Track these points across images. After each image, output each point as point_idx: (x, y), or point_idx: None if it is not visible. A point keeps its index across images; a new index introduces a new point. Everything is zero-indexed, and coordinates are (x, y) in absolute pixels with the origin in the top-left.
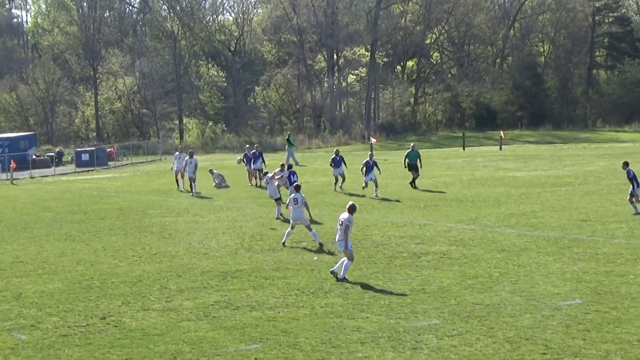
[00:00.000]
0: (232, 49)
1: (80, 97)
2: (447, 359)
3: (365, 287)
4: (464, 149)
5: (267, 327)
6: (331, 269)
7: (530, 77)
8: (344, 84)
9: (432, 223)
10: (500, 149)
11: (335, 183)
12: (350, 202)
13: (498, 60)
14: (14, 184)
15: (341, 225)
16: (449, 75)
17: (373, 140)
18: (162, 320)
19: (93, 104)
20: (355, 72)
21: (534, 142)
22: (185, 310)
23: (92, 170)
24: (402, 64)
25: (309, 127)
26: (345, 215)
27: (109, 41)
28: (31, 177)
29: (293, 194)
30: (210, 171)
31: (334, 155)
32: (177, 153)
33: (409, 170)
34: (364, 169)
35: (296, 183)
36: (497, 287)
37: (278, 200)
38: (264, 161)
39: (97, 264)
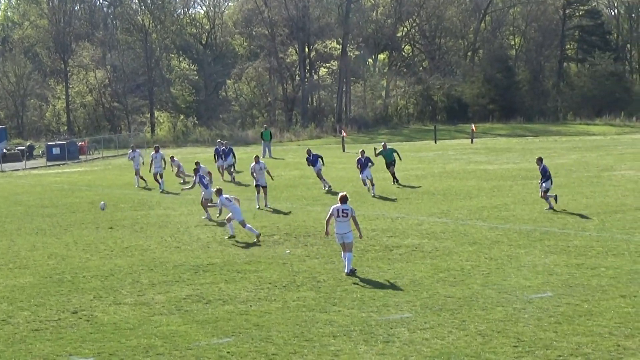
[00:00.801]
0: (204, 42)
1: (51, 91)
2: (419, 352)
3: (338, 280)
4: (435, 142)
5: (239, 321)
6: (346, 272)
7: (502, 70)
8: (315, 77)
9: (404, 216)
10: (472, 142)
11: (371, 186)
12: (343, 193)
13: (469, 54)
14: None
15: (345, 216)
16: (421, 68)
17: (344, 133)
18: (134, 314)
19: (64, 97)
20: (327, 65)
21: (506, 135)
22: (157, 304)
23: (63, 164)
24: (373, 57)
25: (281, 120)
26: (343, 206)
27: (80, 34)
28: (2, 171)
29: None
30: (172, 158)
31: (359, 157)
32: (154, 153)
33: (386, 167)
34: (359, 167)
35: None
36: (469, 280)
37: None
38: (234, 157)
39: (69, 257)
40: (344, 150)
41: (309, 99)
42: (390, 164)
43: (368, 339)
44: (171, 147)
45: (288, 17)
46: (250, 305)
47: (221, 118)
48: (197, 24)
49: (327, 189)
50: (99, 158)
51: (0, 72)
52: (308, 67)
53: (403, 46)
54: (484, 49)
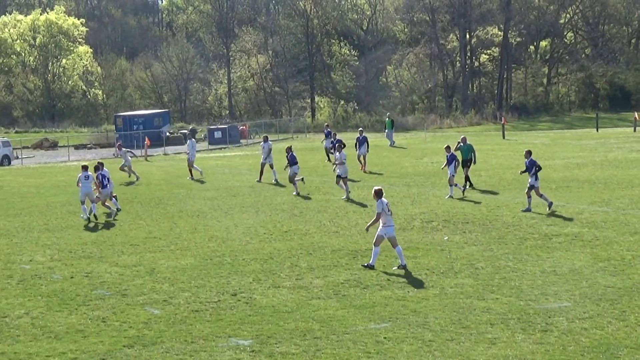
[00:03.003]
0: (364, 28)
1: (214, 75)
2: (578, 342)
3: (496, 268)
4: (597, 130)
5: (396, 307)
6: (402, 264)
7: None
8: (476, 63)
9: (564, 204)
10: (635, 130)
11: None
12: (379, 187)
13: (633, 41)
14: (148, 161)
15: (389, 210)
16: (583, 55)
17: (504, 120)
18: (292, 298)
19: (226, 81)
20: (488, 51)
21: None
22: (315, 288)
23: (224, 148)
24: (535, 43)
25: (441, 106)
26: (385, 200)
27: (242, 19)
28: (165, 154)
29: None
30: (119, 147)
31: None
32: (263, 143)
33: (461, 166)
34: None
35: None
36: (630, 270)
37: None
38: (368, 145)
39: (229, 240)
40: (504, 138)
41: (469, 86)
42: (466, 162)
43: (526, 327)
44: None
45: (449, 4)
46: (408, 291)
47: (381, 104)
48: (358, 10)
49: (345, 197)
50: (259, 142)
51: (164, 56)
52: (469, 54)
53: (565, 33)
54: None
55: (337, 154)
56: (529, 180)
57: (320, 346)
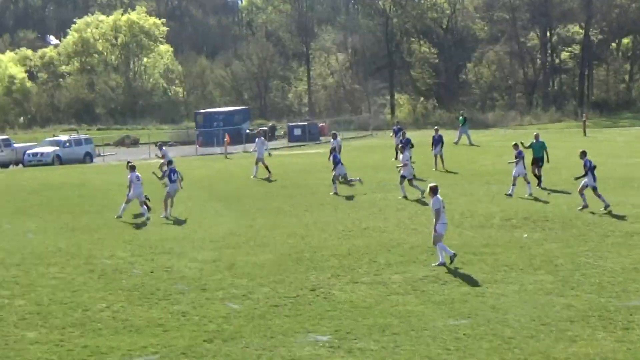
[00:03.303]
0: (444, 26)
1: (294, 73)
2: None
3: (576, 265)
4: None
5: (475, 303)
6: (452, 255)
7: None
8: (557, 60)
9: None
10: None
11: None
12: (434, 184)
13: None
14: (228, 158)
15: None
16: None
17: (585, 117)
18: (371, 293)
19: (306, 79)
20: (569, 49)
21: None
22: (393, 283)
23: (304, 145)
24: (617, 41)
25: (521, 103)
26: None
27: (322, 19)
28: (245, 152)
29: None
30: (160, 146)
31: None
32: (332, 140)
33: (531, 164)
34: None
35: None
36: None
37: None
38: (443, 144)
39: (308, 237)
40: (585, 135)
41: (550, 83)
42: (537, 160)
43: (607, 325)
44: (411, 129)
45: (529, 2)
46: (487, 288)
47: (461, 101)
48: (438, 8)
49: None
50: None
51: (244, 55)
52: (549, 51)
53: None
54: None
55: (402, 154)
56: (586, 179)
57: (399, 342)
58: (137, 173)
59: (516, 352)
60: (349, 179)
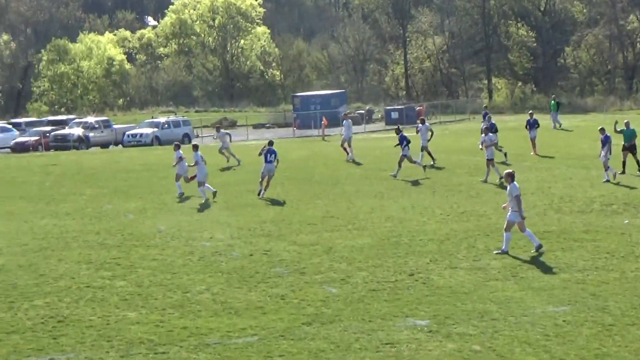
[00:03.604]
0: (542, 9)
1: (390, 56)
2: None
3: None
4: None
5: (575, 290)
6: (503, 250)
7: None
8: None
9: None
10: None
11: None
12: (511, 170)
13: None
14: (325, 141)
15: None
16: None
17: None
18: (470, 279)
19: (402, 62)
20: None
21: None
22: (492, 269)
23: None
24: None
25: (621, 88)
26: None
27: (419, 1)
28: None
29: None
30: (217, 129)
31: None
32: (420, 125)
33: (622, 150)
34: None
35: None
36: None
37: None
38: (538, 127)
39: (406, 220)
40: None
41: None
42: (631, 148)
43: None
44: (509, 113)
45: None
46: (587, 275)
47: (559, 85)
48: None
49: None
50: (436, 123)
51: (341, 37)
52: None
53: None
54: None
55: (484, 136)
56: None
57: (498, 328)
58: (200, 153)
59: (617, 340)
60: (413, 160)
